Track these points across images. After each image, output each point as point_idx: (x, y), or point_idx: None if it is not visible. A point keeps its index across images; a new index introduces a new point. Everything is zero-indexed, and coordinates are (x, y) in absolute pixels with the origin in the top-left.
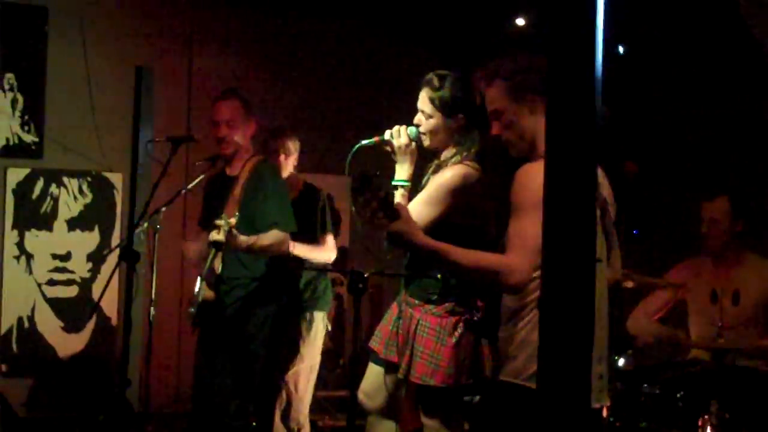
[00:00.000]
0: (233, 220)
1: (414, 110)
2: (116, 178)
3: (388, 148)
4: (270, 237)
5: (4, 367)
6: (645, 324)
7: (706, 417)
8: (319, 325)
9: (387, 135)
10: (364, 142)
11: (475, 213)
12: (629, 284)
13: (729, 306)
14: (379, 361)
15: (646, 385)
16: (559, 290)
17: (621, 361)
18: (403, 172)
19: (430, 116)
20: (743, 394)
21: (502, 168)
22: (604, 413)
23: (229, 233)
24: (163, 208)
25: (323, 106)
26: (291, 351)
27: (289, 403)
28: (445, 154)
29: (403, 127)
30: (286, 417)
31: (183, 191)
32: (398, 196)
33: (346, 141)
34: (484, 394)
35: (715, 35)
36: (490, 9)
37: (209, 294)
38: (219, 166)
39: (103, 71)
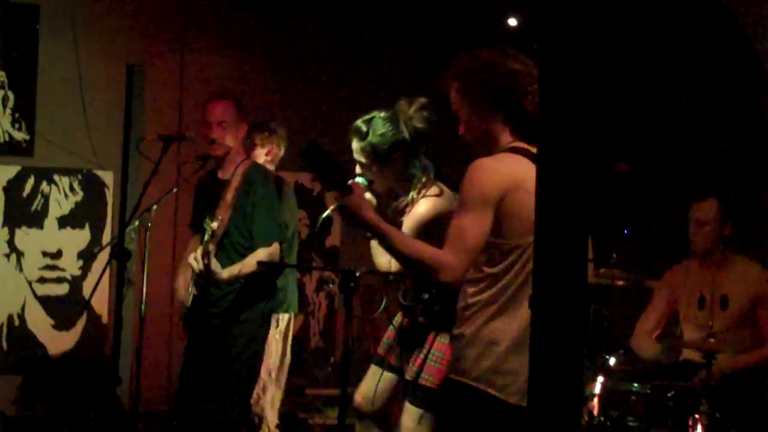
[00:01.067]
0: (215, 224)
1: None
2: (107, 176)
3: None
4: (256, 258)
5: None
6: (648, 346)
7: (696, 416)
8: (272, 329)
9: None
10: (324, 215)
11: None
12: (620, 283)
13: (717, 311)
14: (383, 366)
15: (636, 385)
16: (550, 291)
17: (612, 361)
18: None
19: (368, 165)
20: (733, 393)
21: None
22: (595, 411)
23: (208, 271)
24: (154, 207)
25: (316, 105)
26: None
27: None
28: (402, 192)
29: (351, 181)
30: None
31: (174, 190)
32: (374, 246)
33: (340, 141)
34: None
35: (707, 36)
36: (484, 9)
37: (194, 292)
38: (209, 167)
39: (95, 69)
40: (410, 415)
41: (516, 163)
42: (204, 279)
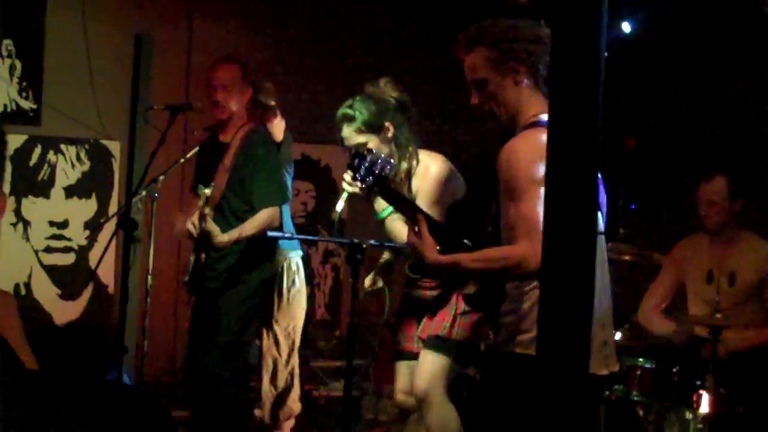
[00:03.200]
0: (208, 191)
1: (413, 82)
2: (114, 146)
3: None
4: (256, 222)
5: None
6: (654, 320)
7: (701, 392)
8: (293, 278)
9: (347, 188)
10: (337, 209)
11: (455, 194)
12: (627, 257)
13: (725, 287)
14: (410, 356)
15: (641, 360)
16: (559, 262)
17: (617, 336)
18: (381, 203)
19: (366, 143)
20: (739, 369)
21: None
22: None
23: (206, 235)
24: (161, 177)
25: (325, 75)
26: (265, 315)
27: (275, 366)
28: (402, 164)
29: (346, 173)
30: (273, 379)
31: (181, 160)
32: (392, 222)
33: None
34: (492, 368)
35: (716, 13)
36: None
37: (197, 256)
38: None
39: (102, 39)
40: (432, 361)
41: (541, 137)
42: (202, 243)
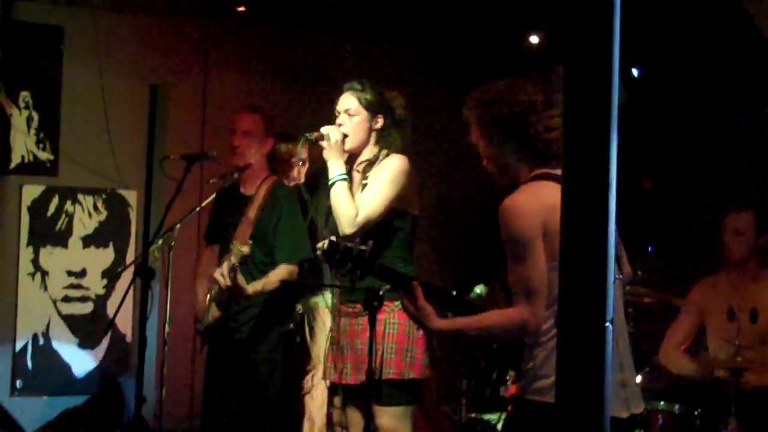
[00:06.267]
0: (246, 249)
1: (428, 127)
2: (131, 196)
3: (324, 144)
4: (277, 276)
5: (18, 384)
6: (676, 359)
7: None
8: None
9: (324, 131)
10: (307, 135)
11: (408, 199)
12: (645, 300)
13: (747, 324)
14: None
15: (662, 403)
16: (575, 307)
17: (638, 379)
18: (339, 167)
19: (355, 114)
20: (761, 412)
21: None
22: None
23: (236, 287)
24: (178, 226)
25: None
26: (299, 373)
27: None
28: (367, 154)
29: (335, 126)
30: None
31: (197, 209)
32: (343, 188)
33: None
34: (515, 414)
35: (733, 47)
36: (505, 27)
37: (216, 314)
38: (231, 179)
39: (118, 89)
40: (389, 415)
41: (542, 189)
42: (228, 295)
